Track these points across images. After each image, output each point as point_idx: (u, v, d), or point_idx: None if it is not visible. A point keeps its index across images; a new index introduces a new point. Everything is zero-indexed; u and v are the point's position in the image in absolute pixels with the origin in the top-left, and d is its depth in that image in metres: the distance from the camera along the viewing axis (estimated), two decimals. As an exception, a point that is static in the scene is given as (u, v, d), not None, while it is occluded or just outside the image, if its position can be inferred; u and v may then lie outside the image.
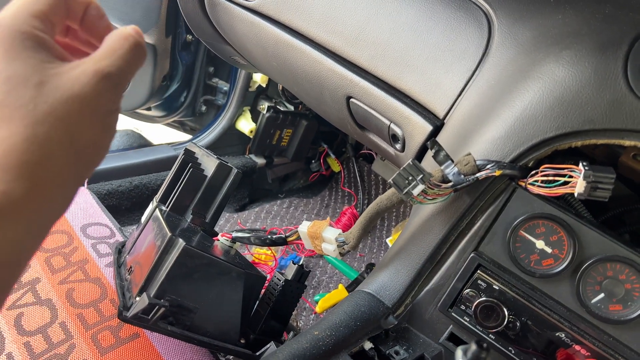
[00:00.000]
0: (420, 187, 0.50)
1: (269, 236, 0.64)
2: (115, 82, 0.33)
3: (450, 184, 0.52)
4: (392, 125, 0.71)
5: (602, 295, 0.49)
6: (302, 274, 0.63)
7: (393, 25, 0.70)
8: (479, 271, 0.54)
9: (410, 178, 0.50)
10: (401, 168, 0.50)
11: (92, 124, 0.32)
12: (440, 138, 0.64)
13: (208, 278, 0.55)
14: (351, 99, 0.77)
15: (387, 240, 1.32)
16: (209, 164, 0.69)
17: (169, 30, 1.21)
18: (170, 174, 0.70)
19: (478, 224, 0.55)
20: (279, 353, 0.48)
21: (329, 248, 0.61)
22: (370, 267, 1.23)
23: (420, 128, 0.66)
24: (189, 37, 1.28)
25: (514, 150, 0.53)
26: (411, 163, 0.50)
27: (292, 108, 1.40)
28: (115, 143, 1.34)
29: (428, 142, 0.53)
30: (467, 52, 0.64)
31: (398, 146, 0.72)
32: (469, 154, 0.52)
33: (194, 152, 0.72)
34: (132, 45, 0.34)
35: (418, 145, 0.66)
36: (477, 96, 0.60)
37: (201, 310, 0.54)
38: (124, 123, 1.55)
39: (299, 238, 0.65)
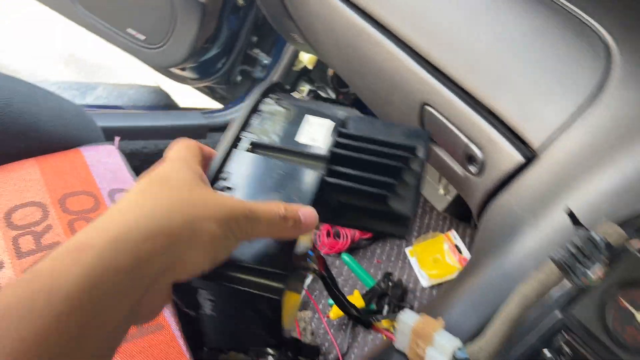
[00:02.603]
0: (599, 266, 0.41)
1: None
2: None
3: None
4: (472, 145, 0.64)
5: None
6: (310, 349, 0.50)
7: (495, 35, 0.63)
8: (562, 332, 0.48)
9: (586, 256, 0.41)
10: (568, 242, 0.41)
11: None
12: (532, 173, 0.57)
13: None
14: (426, 107, 0.70)
15: (407, 250, 1.27)
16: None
17: (221, -10, 1.12)
18: None
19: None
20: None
21: (437, 358, 0.46)
22: (387, 276, 1.18)
23: (508, 156, 0.59)
24: (241, 1, 1.20)
25: (632, 207, 0.47)
26: (584, 235, 0.41)
27: (333, 96, 1.33)
28: (142, 99, 1.26)
29: (566, 211, 0.43)
30: (577, 84, 0.57)
31: (472, 169, 0.66)
32: (606, 220, 0.44)
33: None
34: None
35: (502, 174, 0.60)
36: (586, 136, 0.54)
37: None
38: (151, 79, 1.46)
39: (389, 327, 0.51)
